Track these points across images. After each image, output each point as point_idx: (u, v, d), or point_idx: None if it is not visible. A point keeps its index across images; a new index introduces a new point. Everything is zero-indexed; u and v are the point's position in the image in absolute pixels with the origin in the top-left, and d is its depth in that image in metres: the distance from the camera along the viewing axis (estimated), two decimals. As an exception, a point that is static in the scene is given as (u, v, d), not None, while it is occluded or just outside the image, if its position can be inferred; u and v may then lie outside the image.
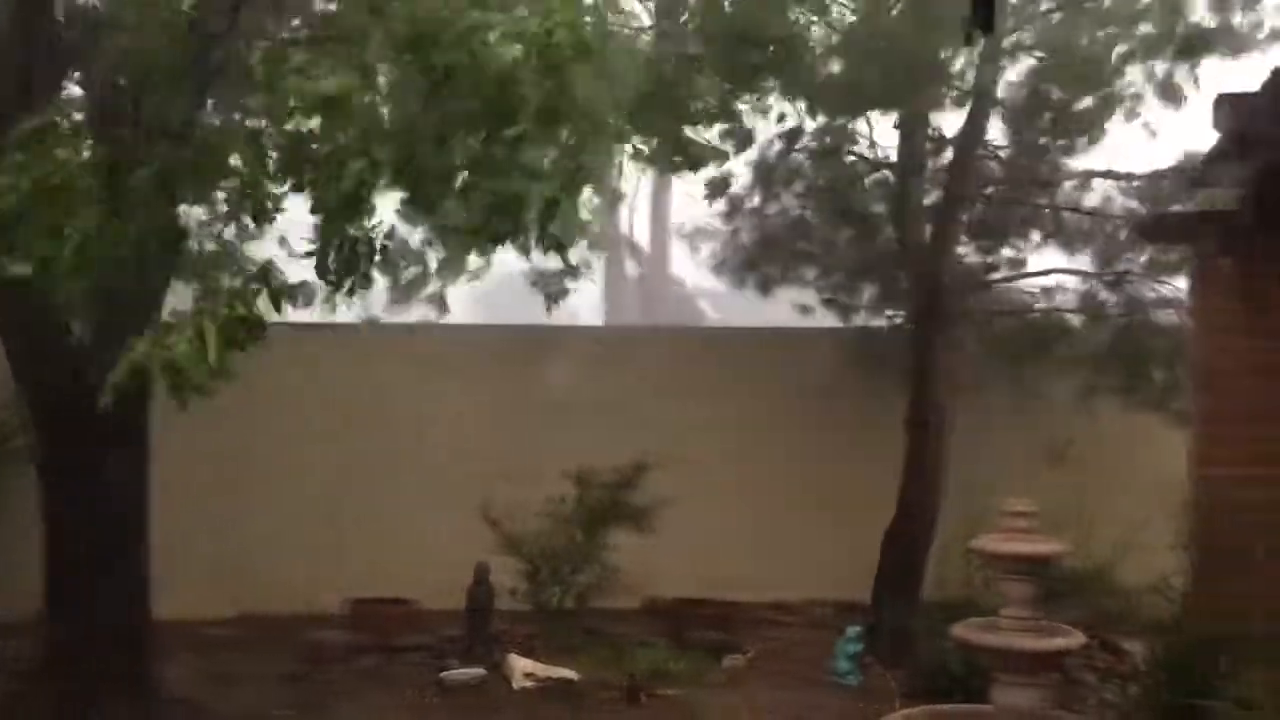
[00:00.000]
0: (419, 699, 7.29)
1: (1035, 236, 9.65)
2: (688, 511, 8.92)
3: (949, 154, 9.09)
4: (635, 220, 23.42)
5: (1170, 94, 8.50)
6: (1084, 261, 9.52)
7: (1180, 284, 8.70)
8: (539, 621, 8.36)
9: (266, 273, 4.60)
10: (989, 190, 9.42)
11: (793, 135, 9.14)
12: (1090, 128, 8.91)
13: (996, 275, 9.64)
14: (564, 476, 8.38)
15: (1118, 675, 7.05)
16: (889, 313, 9.84)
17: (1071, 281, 9.57)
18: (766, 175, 9.59)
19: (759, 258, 9.96)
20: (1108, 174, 9.30)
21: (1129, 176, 9.23)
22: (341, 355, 9.90)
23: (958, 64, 8.09)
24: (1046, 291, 9.66)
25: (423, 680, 7.59)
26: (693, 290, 23.30)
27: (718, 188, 9.13)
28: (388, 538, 9.43)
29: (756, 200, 9.87)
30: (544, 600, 8.38)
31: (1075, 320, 9.40)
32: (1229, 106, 4.91)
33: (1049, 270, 9.63)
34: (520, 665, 7.54)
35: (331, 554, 9.33)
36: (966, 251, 9.57)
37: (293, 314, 5.17)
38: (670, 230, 22.79)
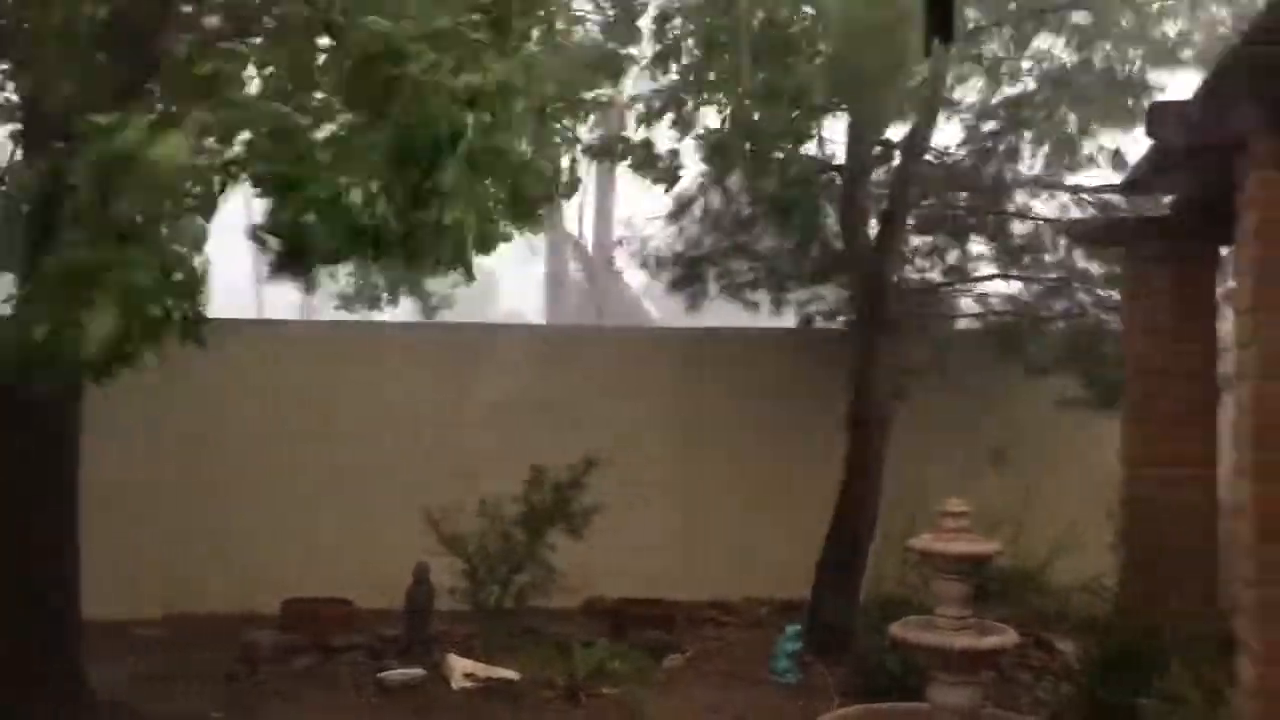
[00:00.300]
0: (357, 699, 7.22)
1: (980, 243, 9.81)
2: (629, 511, 8.92)
3: (898, 159, 9.18)
4: (581, 219, 23.40)
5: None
6: (1029, 268, 9.69)
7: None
8: (479, 621, 8.31)
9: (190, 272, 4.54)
10: (935, 197, 9.53)
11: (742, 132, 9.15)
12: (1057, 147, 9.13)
13: (941, 280, 9.77)
14: (507, 476, 8.33)
15: (1051, 673, 7.16)
16: (833, 314, 9.93)
17: (1015, 287, 9.73)
18: (713, 176, 9.62)
19: (702, 259, 10.01)
20: (1054, 184, 9.47)
21: (1076, 189, 9.40)
22: (277, 353, 9.80)
23: (915, 69, 8.18)
24: (984, 297, 9.83)
25: (360, 680, 7.51)
26: (638, 290, 23.34)
27: (667, 175, 9.10)
28: (326, 537, 9.34)
29: (701, 204, 9.95)
30: (483, 600, 8.33)
31: (1018, 325, 9.53)
32: (1162, 115, 5.00)
33: (992, 275, 9.78)
34: (459, 665, 7.49)
35: (267, 553, 9.22)
36: (913, 255, 9.70)
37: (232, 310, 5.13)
38: (615, 229, 22.80)
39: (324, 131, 4.65)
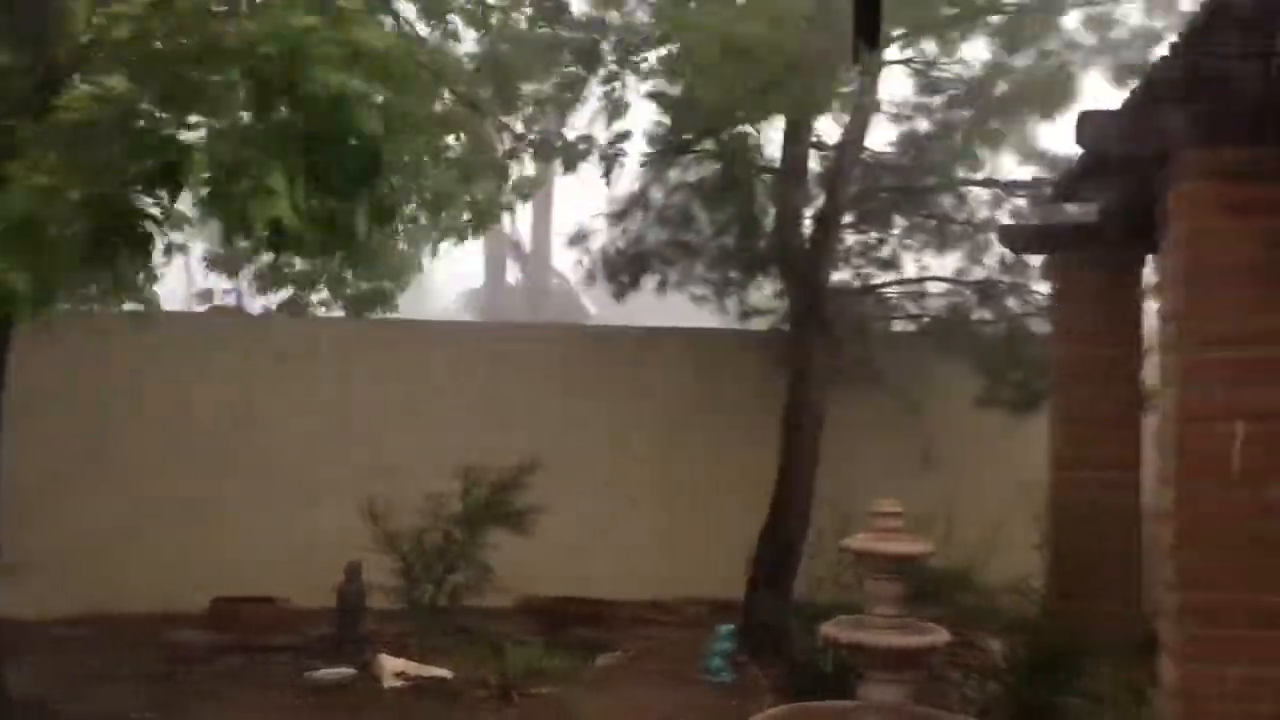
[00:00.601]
0: (285, 699, 7.11)
1: (913, 244, 9.94)
2: (565, 509, 8.90)
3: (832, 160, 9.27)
4: (517, 217, 23.27)
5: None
6: (962, 269, 9.85)
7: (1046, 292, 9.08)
8: (412, 620, 8.24)
9: None
10: (870, 198, 9.64)
11: (677, 136, 9.20)
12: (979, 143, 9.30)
13: (875, 281, 9.88)
14: (441, 474, 8.26)
15: (978, 672, 7.26)
16: (769, 314, 9.99)
17: (946, 288, 9.87)
18: (651, 176, 9.67)
19: (639, 258, 10.03)
20: (988, 182, 9.63)
21: (1011, 185, 9.56)
22: (202, 346, 9.64)
23: (844, 73, 8.27)
24: (920, 298, 9.96)
25: (289, 680, 7.40)
26: (576, 287, 23.28)
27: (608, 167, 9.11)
28: (254, 535, 9.20)
29: (641, 200, 9.97)
30: (417, 598, 8.25)
31: (949, 326, 9.67)
32: (1091, 123, 5.09)
33: (925, 278, 9.91)
34: (391, 664, 7.42)
35: (194, 551, 9.06)
36: (847, 255, 9.80)
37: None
38: (553, 227, 22.75)
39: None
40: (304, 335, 10.04)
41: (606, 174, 8.93)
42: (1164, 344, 4.87)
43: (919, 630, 5.93)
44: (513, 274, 24.79)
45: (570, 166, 8.58)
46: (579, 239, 10.41)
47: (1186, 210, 4.65)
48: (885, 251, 9.94)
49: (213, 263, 10.73)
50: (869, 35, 2.86)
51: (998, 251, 9.55)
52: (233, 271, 10.77)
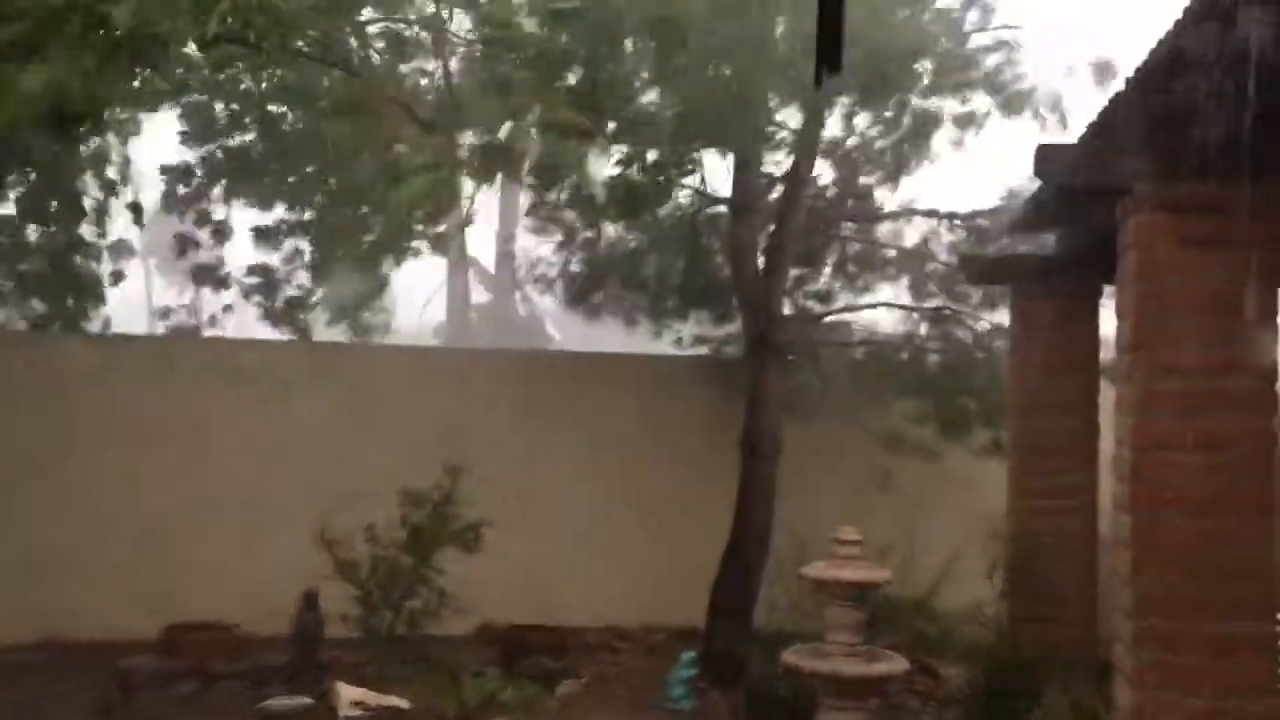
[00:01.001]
0: (238, 728, 7.02)
1: (859, 272, 10.13)
2: (525, 536, 8.86)
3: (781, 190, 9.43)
4: (480, 242, 23.26)
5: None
6: (909, 296, 10.04)
7: (997, 318, 9.25)
8: (370, 648, 8.14)
9: None
10: (820, 227, 9.81)
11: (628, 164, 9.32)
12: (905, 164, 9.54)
13: (826, 309, 10.02)
14: (398, 499, 8.19)
15: (936, 700, 7.29)
16: (725, 342, 10.08)
17: (897, 315, 10.04)
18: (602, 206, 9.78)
19: (593, 286, 10.14)
20: (930, 213, 9.81)
21: (951, 216, 9.75)
22: (156, 367, 9.53)
23: (786, 105, 8.42)
24: (861, 327, 10.13)
25: (242, 709, 7.28)
26: (539, 313, 23.26)
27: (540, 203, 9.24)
28: (209, 560, 9.07)
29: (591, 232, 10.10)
30: (375, 626, 8.17)
31: (901, 353, 9.79)
32: (1048, 156, 5.18)
33: (875, 304, 10.06)
34: (348, 694, 7.32)
35: (146, 576, 8.92)
36: (798, 284, 9.93)
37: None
38: (516, 253, 22.74)
39: None
40: (261, 358, 9.96)
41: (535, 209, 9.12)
42: (1120, 374, 4.94)
43: (878, 658, 5.96)
44: (477, 298, 24.73)
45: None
46: (532, 267, 10.53)
47: (1142, 243, 4.74)
48: (827, 281, 10.14)
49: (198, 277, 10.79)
50: (831, 60, 2.89)
51: (945, 279, 9.74)
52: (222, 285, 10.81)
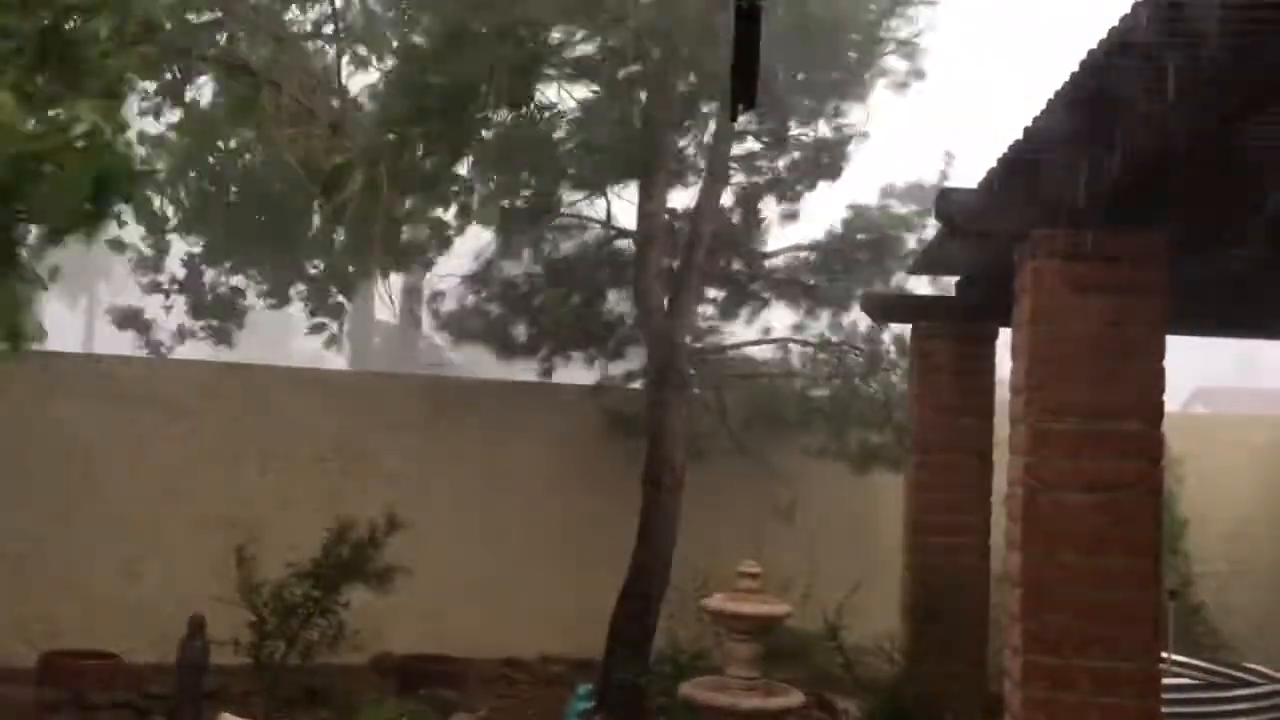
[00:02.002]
0: (117, 762, 6.75)
1: (752, 304, 10.34)
2: (422, 565, 8.68)
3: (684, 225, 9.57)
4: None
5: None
6: (805, 328, 10.27)
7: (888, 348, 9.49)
8: (260, 678, 7.91)
9: None
10: (720, 261, 9.97)
11: (532, 208, 9.38)
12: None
13: (726, 341, 10.16)
14: (295, 524, 8.01)
15: (831, 733, 7.35)
16: (627, 374, 10.13)
17: (795, 347, 10.24)
18: (503, 244, 9.83)
19: (495, 322, 10.14)
20: (813, 246, 10.11)
21: (814, 247, 10.21)
22: (31, 385, 9.17)
23: (689, 140, 8.57)
24: (754, 359, 10.31)
25: (123, 741, 7.04)
26: (442, 341, 23.00)
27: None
28: (92, 586, 8.75)
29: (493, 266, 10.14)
30: (266, 655, 7.93)
31: (799, 385, 9.95)
32: (950, 199, 5.31)
33: (773, 339, 10.25)
34: (234, 725, 7.10)
35: (24, 601, 8.56)
36: (700, 317, 10.06)
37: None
38: (423, 281, 22.50)
39: None
40: (152, 377, 9.69)
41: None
42: (1013, 414, 5.05)
43: (775, 692, 5.99)
44: (380, 323, 24.38)
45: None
46: (432, 299, 10.54)
47: (1034, 287, 4.86)
48: (726, 312, 10.30)
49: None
50: (746, 97, 2.95)
51: (843, 314, 9.98)
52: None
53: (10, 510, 8.73)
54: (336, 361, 23.06)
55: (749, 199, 10.14)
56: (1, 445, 8.85)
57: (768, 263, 10.40)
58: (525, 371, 11.14)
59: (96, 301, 27.87)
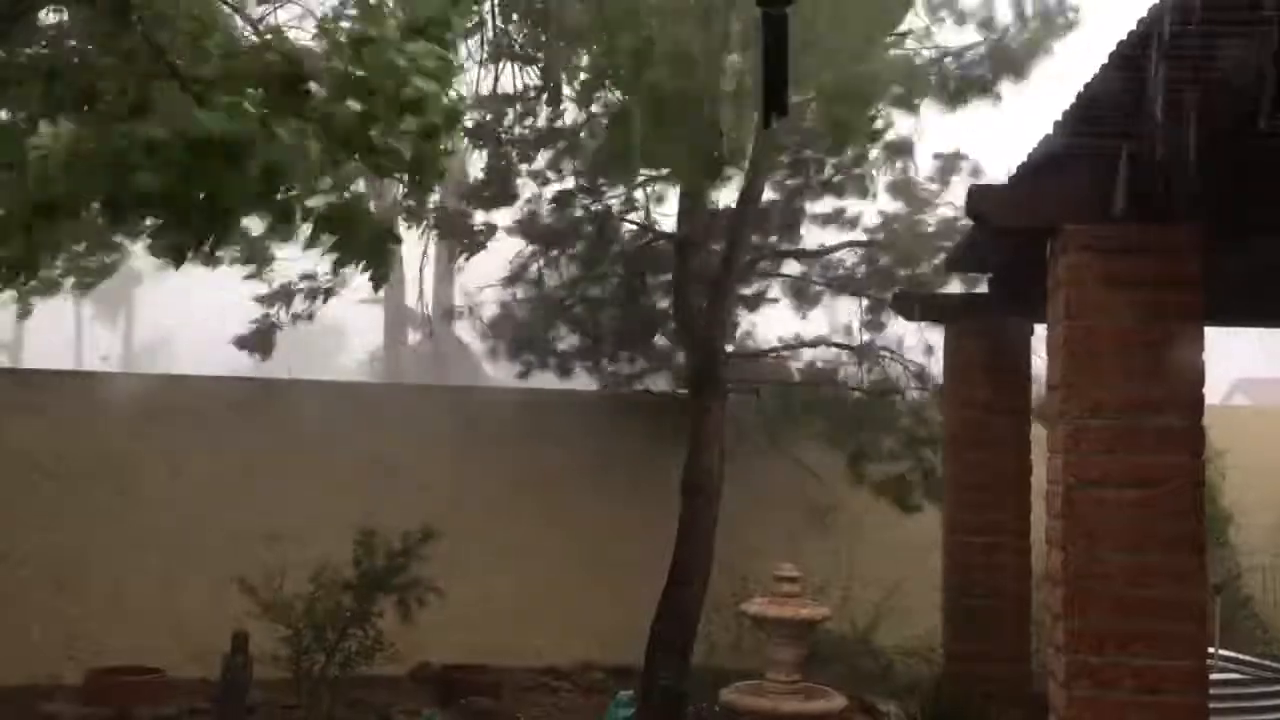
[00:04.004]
0: (163, 776, 6.81)
1: (794, 305, 10.27)
2: (461, 575, 8.72)
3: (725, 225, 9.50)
4: (422, 278, 23.06)
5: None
6: (840, 330, 10.19)
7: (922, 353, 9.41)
8: (301, 691, 7.96)
9: None
10: (759, 262, 9.90)
11: (564, 201, 9.38)
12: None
13: (766, 346, 10.09)
14: (331, 538, 8.04)
15: (875, 735, 7.31)
16: (663, 380, 10.09)
17: (832, 351, 10.13)
18: (543, 243, 9.81)
19: (532, 328, 10.12)
20: (864, 243, 10.00)
21: (862, 244, 10.03)
22: (77, 405, 9.30)
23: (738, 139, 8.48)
24: (781, 362, 10.22)
25: (168, 756, 7.09)
26: (478, 353, 23.07)
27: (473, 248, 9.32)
28: (134, 602, 8.83)
29: (534, 270, 10.12)
30: (306, 668, 7.99)
31: (836, 389, 9.86)
32: (980, 197, 5.27)
33: (817, 341, 10.14)
34: (277, 738, 7.15)
35: (70, 619, 8.65)
36: (738, 320, 10.01)
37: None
38: (456, 289, 22.60)
39: None
40: (188, 393, 9.77)
41: (469, 254, 9.15)
42: (1051, 411, 5.01)
43: (816, 695, 5.96)
44: (413, 337, 24.53)
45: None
46: (468, 313, 10.54)
47: (1069, 282, 4.82)
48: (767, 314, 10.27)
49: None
50: (778, 103, 2.94)
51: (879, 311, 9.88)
52: None
53: (51, 529, 8.84)
54: (370, 376, 23.24)
55: (789, 200, 10.03)
56: (41, 464, 8.97)
57: (806, 263, 10.28)
58: (559, 379, 11.15)
59: (133, 318, 28.16)
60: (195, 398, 9.72)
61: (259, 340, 9.72)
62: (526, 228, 9.85)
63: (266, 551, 7.97)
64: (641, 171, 8.26)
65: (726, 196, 9.24)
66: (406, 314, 23.55)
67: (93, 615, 8.73)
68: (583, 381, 10.83)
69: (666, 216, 9.39)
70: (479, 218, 9.76)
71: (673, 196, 9.15)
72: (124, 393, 9.80)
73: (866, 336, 9.90)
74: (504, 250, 10.08)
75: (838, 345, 10.01)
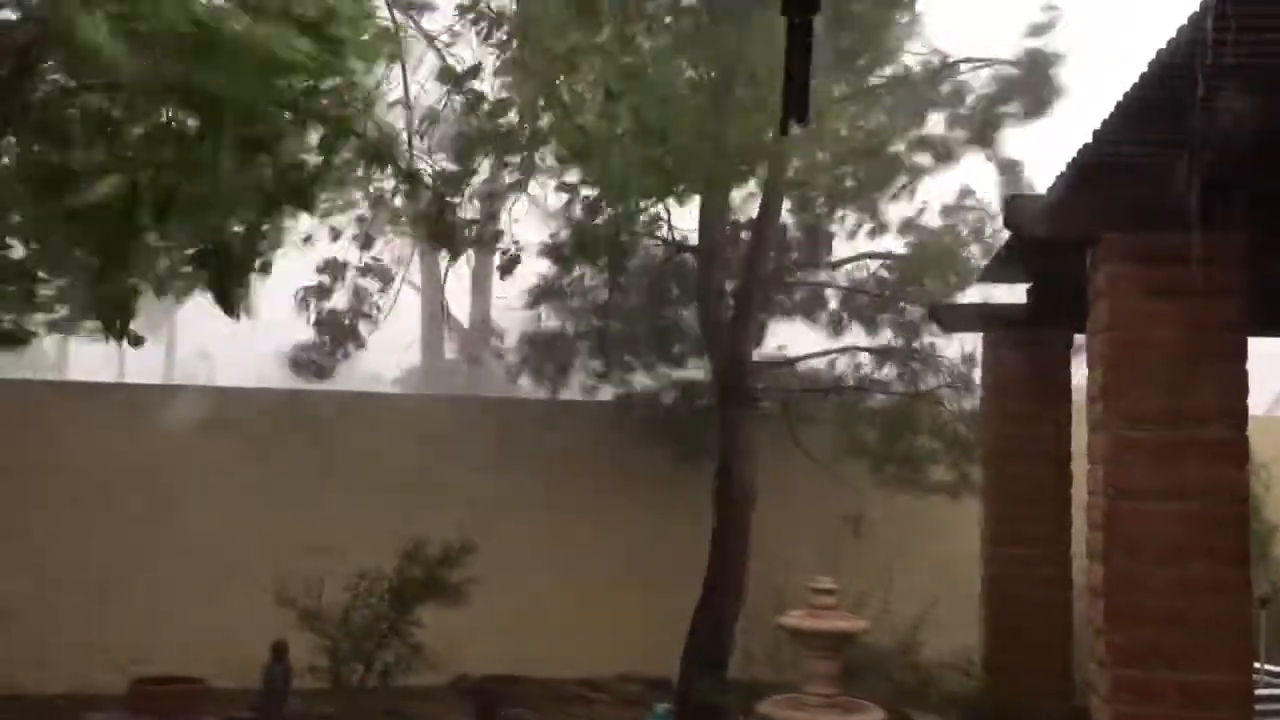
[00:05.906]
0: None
1: (823, 317, 10.21)
2: (498, 586, 8.75)
3: (748, 237, 9.52)
4: (457, 290, 23.21)
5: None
6: (873, 340, 10.12)
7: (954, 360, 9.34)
8: (340, 701, 8.01)
9: None
10: (784, 273, 9.89)
11: (592, 212, 9.42)
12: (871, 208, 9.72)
13: (794, 355, 10.06)
14: (369, 549, 8.10)
15: (914, 750, 7.24)
16: (694, 390, 10.08)
17: (863, 359, 10.07)
18: (568, 257, 9.86)
19: (559, 341, 10.17)
20: (872, 255, 10.00)
21: (888, 255, 9.97)
22: (119, 416, 9.42)
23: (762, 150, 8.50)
24: (816, 372, 10.18)
25: (210, 764, 7.16)
26: (509, 364, 23.13)
27: (509, 266, 9.39)
28: (176, 613, 8.92)
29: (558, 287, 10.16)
30: (345, 678, 8.04)
31: (867, 398, 9.81)
32: (1017, 207, 5.24)
33: (844, 349, 10.10)
34: (317, 748, 7.20)
35: (113, 629, 8.77)
36: (765, 330, 9.99)
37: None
38: (491, 302, 22.72)
39: None
40: (228, 405, 9.87)
41: (506, 271, 9.22)
42: (1091, 422, 4.96)
43: (854, 709, 5.93)
44: (450, 349, 24.66)
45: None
46: (496, 332, 10.58)
47: (1110, 293, 4.78)
48: (801, 325, 10.21)
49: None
50: (799, 110, 2.93)
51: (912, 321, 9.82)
52: None
53: (93, 540, 8.96)
54: (407, 388, 23.37)
55: (813, 211, 10.04)
56: (82, 476, 9.10)
57: (834, 274, 10.27)
58: (592, 391, 11.17)
59: (176, 331, 28.44)
60: (236, 409, 9.82)
61: (316, 367, 9.98)
62: (551, 248, 9.87)
63: (307, 562, 8.02)
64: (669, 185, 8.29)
65: (750, 208, 9.29)
66: (443, 327, 23.71)
67: (135, 625, 8.84)
68: (614, 393, 10.84)
69: (690, 232, 9.41)
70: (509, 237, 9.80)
71: (694, 209, 9.18)
72: (166, 405, 9.92)
73: (899, 343, 9.86)
74: (535, 265, 10.13)
75: (869, 350, 9.98)
